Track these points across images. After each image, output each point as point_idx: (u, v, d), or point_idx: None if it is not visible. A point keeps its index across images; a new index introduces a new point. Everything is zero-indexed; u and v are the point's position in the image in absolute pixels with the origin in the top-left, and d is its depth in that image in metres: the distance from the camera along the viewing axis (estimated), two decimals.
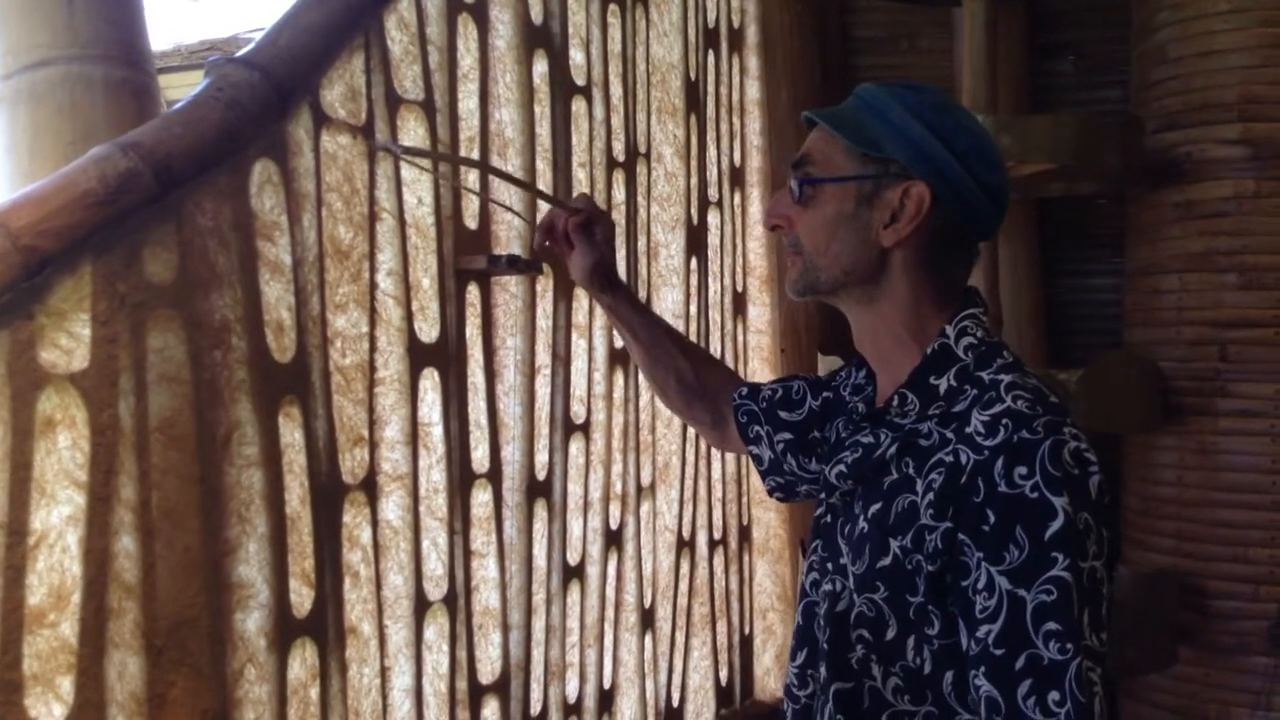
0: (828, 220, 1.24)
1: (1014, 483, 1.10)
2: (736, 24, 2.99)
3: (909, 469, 1.20)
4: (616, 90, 2.37)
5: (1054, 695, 1.05)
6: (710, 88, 2.81)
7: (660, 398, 1.75)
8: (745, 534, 2.96)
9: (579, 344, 2.24)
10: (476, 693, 1.95)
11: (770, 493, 1.57)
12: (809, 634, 1.30)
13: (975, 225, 1.25)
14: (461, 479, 1.91)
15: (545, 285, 2.14)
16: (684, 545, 2.67)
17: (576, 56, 2.24)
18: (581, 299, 2.24)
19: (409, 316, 1.78)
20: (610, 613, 2.37)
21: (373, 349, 1.72)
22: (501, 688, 2.02)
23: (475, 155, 1.95)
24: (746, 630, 2.99)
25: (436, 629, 1.85)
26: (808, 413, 1.48)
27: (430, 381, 1.83)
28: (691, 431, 2.61)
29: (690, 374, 1.65)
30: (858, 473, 1.25)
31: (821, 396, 1.49)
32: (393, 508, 1.76)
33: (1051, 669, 1.06)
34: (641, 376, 1.72)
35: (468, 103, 1.95)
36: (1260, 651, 2.92)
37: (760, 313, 3.05)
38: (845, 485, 1.27)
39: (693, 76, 2.69)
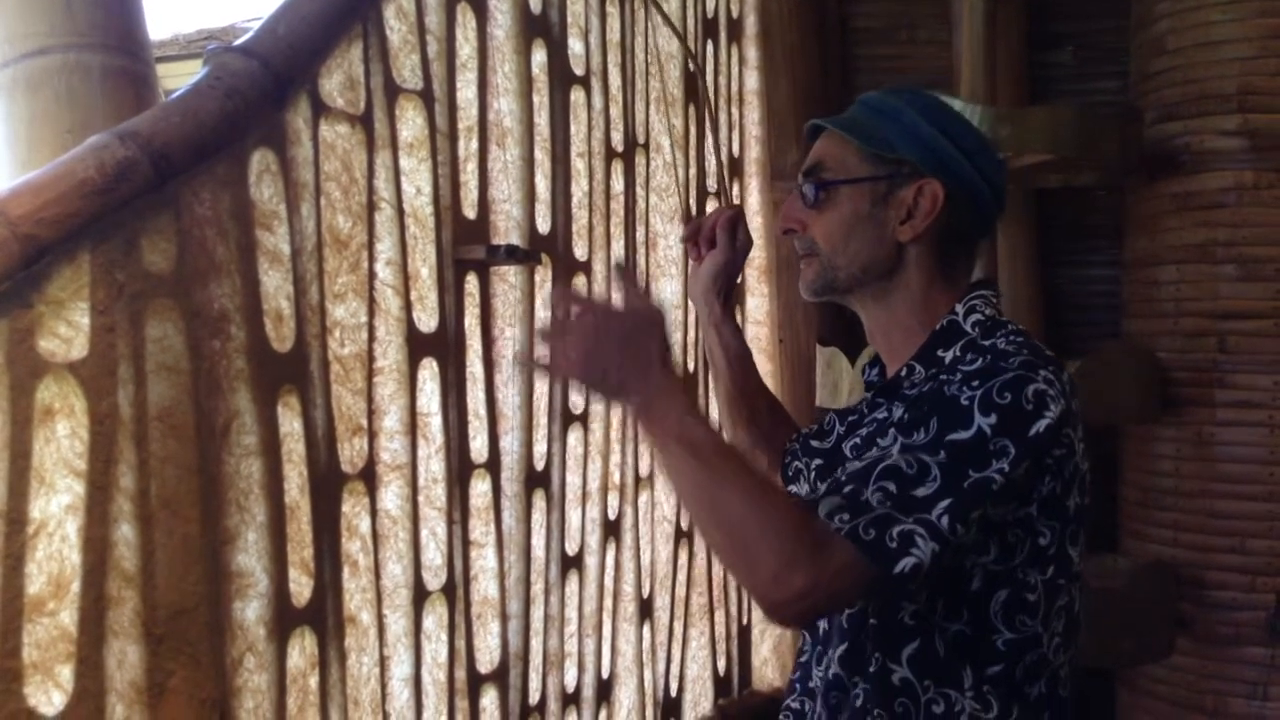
0: (845, 220, 1.29)
1: (960, 391, 1.15)
2: (735, 14, 2.99)
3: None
4: (615, 80, 2.37)
5: (844, 515, 1.09)
6: (709, 78, 2.81)
7: (727, 429, 1.72)
8: None
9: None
10: (475, 682, 1.95)
11: None
12: None
13: (981, 219, 1.31)
14: (460, 469, 1.91)
15: (544, 275, 2.14)
16: (682, 535, 2.67)
17: (575, 46, 2.23)
18: (581, 290, 2.24)
19: (408, 306, 1.78)
20: (608, 603, 2.37)
21: (371, 339, 1.71)
22: (500, 677, 2.02)
23: (474, 145, 1.95)
24: (744, 620, 3.00)
25: (435, 618, 1.85)
26: (835, 438, 1.51)
27: (429, 371, 1.83)
28: None
29: (766, 417, 1.60)
30: (870, 442, 1.29)
31: (848, 421, 1.51)
32: (391, 497, 1.76)
33: (862, 505, 1.10)
34: (715, 402, 1.68)
35: (466, 92, 1.94)
36: (1257, 642, 2.92)
37: (759, 304, 3.05)
38: (856, 455, 1.30)
39: (690, 67, 2.68)
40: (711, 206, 2.81)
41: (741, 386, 1.57)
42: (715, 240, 1.49)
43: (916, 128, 1.27)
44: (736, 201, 2.96)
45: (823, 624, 1.35)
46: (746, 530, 1.09)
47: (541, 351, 1.23)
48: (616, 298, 1.23)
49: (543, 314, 2.13)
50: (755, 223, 3.01)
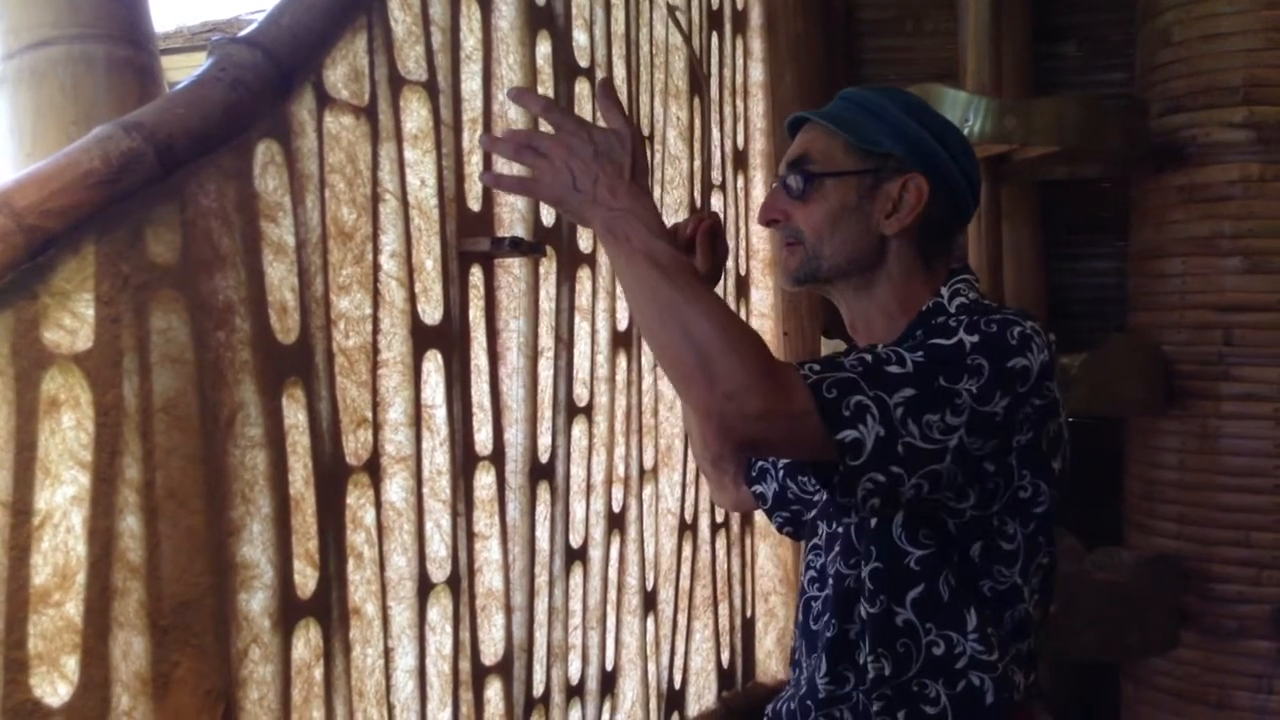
0: (831, 212, 1.30)
1: (948, 320, 1.21)
2: (740, 5, 2.98)
3: None
4: (620, 72, 2.36)
5: (814, 366, 1.12)
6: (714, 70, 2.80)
7: (690, 436, 1.71)
8: (747, 517, 2.96)
9: (582, 326, 2.24)
10: (479, 674, 1.95)
11: (780, 529, 1.60)
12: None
13: (960, 213, 1.34)
14: (465, 461, 1.91)
15: (548, 268, 2.13)
16: (686, 528, 2.67)
17: (580, 38, 2.23)
18: (584, 281, 2.24)
19: (412, 298, 1.78)
20: (612, 595, 2.37)
21: (376, 331, 1.71)
22: (504, 669, 2.02)
23: (478, 138, 1.95)
24: (748, 613, 3.00)
25: (440, 610, 1.85)
26: None
27: (433, 364, 1.83)
28: None
29: None
30: None
31: None
32: (396, 489, 1.76)
33: (834, 365, 1.13)
34: (681, 410, 1.66)
35: (470, 84, 1.94)
36: (1262, 635, 2.92)
37: (763, 296, 3.04)
38: None
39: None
40: (716, 199, 2.81)
41: None
42: (693, 248, 1.49)
43: (901, 123, 1.29)
44: (727, 202, 2.95)
45: (811, 623, 1.36)
46: (711, 347, 1.08)
47: (506, 149, 1.21)
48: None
49: (547, 306, 2.13)
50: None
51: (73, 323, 1.24)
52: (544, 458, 2.12)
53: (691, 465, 2.65)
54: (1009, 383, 1.15)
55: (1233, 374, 2.96)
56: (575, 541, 2.23)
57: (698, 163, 2.69)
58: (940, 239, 1.33)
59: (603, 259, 2.30)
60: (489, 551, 1.99)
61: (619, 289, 2.37)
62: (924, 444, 1.11)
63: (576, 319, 2.21)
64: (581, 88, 2.23)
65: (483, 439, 1.96)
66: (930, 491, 1.16)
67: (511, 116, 2.03)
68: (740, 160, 2.96)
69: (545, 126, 1.21)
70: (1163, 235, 3.12)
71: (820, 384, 1.10)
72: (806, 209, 1.31)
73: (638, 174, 1.18)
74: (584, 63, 2.24)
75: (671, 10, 2.31)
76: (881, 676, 1.25)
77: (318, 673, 1.58)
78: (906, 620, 1.24)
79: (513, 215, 2.04)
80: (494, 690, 2.00)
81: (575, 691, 2.26)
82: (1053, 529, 1.27)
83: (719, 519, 2.83)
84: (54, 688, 1.22)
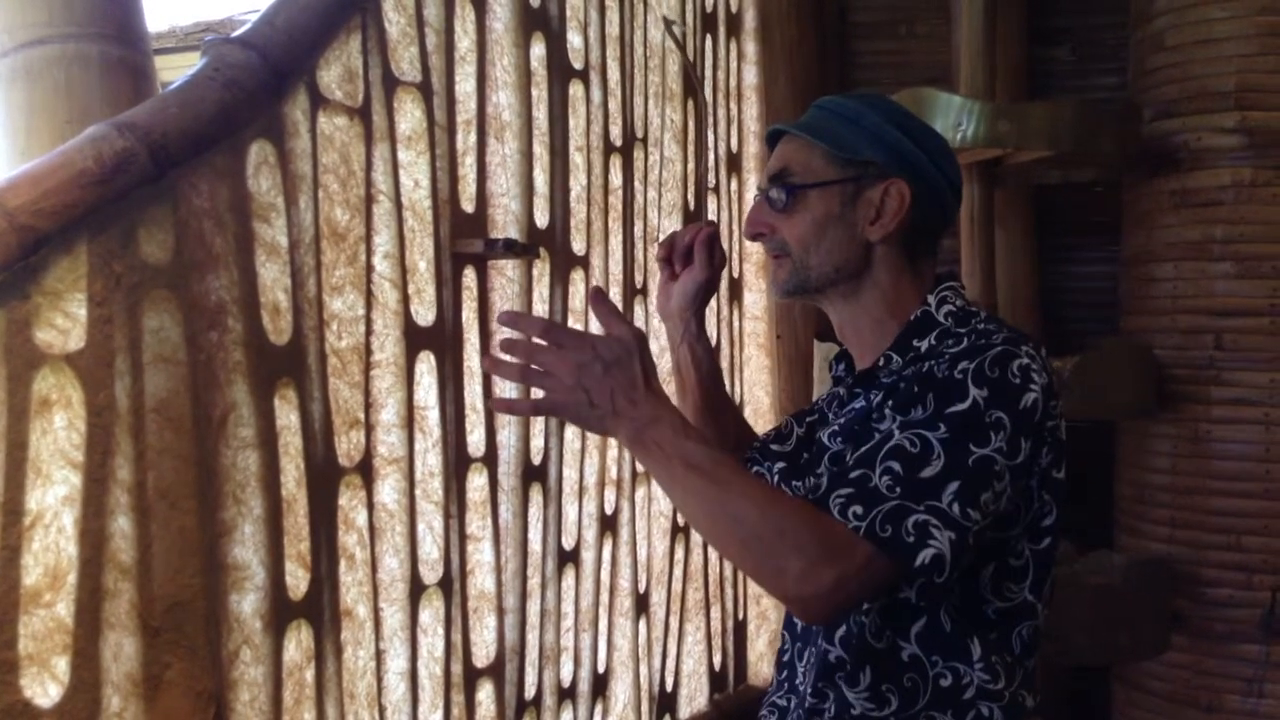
0: (816, 222, 1.31)
1: (951, 371, 1.19)
2: (735, 8, 2.98)
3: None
4: (614, 74, 2.36)
5: (857, 509, 1.11)
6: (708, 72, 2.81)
7: None
8: None
9: (575, 328, 2.23)
10: (471, 676, 1.95)
11: None
12: None
13: (943, 216, 1.35)
14: (457, 463, 1.90)
15: (541, 270, 2.13)
16: (678, 531, 2.67)
17: (574, 40, 2.23)
18: (578, 284, 2.24)
19: (405, 300, 1.77)
20: (605, 598, 2.37)
21: (369, 332, 1.71)
22: (496, 671, 2.02)
23: (473, 139, 1.95)
24: (740, 616, 3.00)
25: (432, 612, 1.85)
26: (795, 441, 1.53)
27: (426, 365, 1.83)
28: None
29: (733, 435, 1.59)
30: (849, 430, 1.31)
31: (806, 422, 1.54)
32: (388, 491, 1.76)
33: (872, 493, 1.11)
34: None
35: (465, 85, 1.94)
36: (1252, 639, 2.93)
37: (756, 299, 3.05)
38: (836, 444, 1.33)
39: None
40: (710, 202, 2.81)
41: (711, 404, 1.56)
42: (690, 256, 1.48)
43: (880, 130, 1.30)
44: (721, 205, 2.96)
45: (799, 626, 1.37)
46: (766, 537, 1.09)
47: (511, 373, 1.20)
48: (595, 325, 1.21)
49: (540, 308, 2.12)
50: None
51: (65, 323, 1.24)
52: (536, 460, 2.12)
53: None
54: (1026, 424, 1.17)
55: (1224, 378, 2.97)
56: (567, 544, 2.23)
57: (691, 165, 2.69)
58: (925, 242, 1.34)
59: (596, 261, 2.31)
60: (481, 553, 1.99)
61: (614, 291, 2.37)
62: (985, 519, 1.13)
63: (570, 321, 2.21)
64: (576, 89, 2.23)
65: (475, 441, 1.96)
66: (976, 541, 1.16)
67: (505, 119, 2.03)
68: (734, 163, 2.96)
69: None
70: (1155, 240, 3.13)
71: (873, 527, 1.10)
72: (791, 221, 1.32)
73: (651, 379, 1.18)
74: (578, 65, 2.23)
75: (668, 24, 2.31)
76: (875, 714, 1.25)
77: (309, 674, 1.58)
78: (913, 655, 1.24)
79: (506, 217, 2.04)
80: (485, 693, 2.00)
81: (567, 694, 2.26)
82: (1058, 540, 1.27)
83: None
84: (44, 689, 1.21)
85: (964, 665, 1.23)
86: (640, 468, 2.50)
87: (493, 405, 1.27)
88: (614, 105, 2.35)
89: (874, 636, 1.25)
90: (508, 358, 1.19)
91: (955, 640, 1.23)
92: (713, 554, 2.83)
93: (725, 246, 2.83)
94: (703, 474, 1.13)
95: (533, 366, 1.18)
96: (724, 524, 1.12)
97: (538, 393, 1.19)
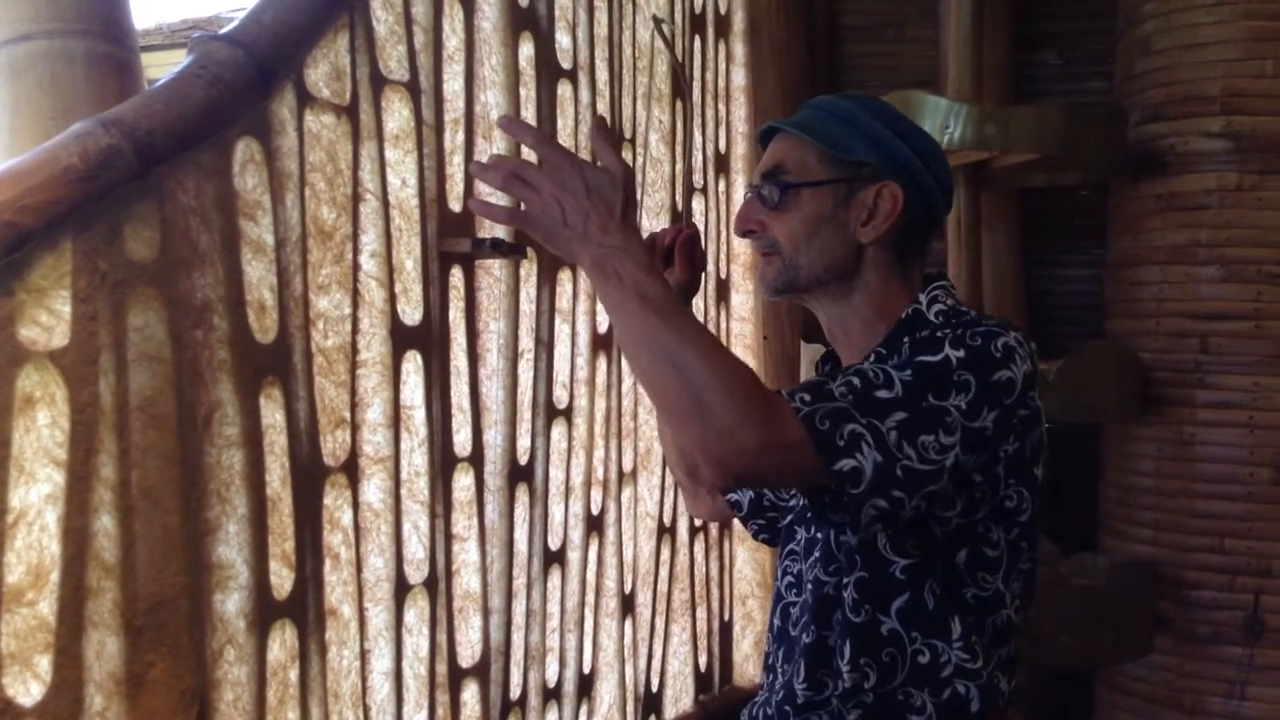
0: (808, 221, 1.31)
1: (932, 333, 1.22)
2: (723, 10, 2.98)
3: None
4: (603, 74, 2.36)
5: (805, 396, 1.13)
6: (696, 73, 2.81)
7: (666, 447, 1.70)
8: (726, 520, 2.97)
9: (562, 328, 2.23)
10: (456, 676, 1.95)
11: (755, 535, 1.61)
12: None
13: (934, 219, 1.35)
14: (443, 462, 1.90)
15: (529, 269, 2.13)
16: (665, 531, 2.67)
17: (563, 40, 2.23)
18: (565, 284, 2.24)
19: (392, 299, 1.77)
20: (591, 598, 2.37)
21: (355, 331, 1.71)
22: (481, 671, 2.02)
23: (460, 138, 1.95)
24: (726, 616, 3.00)
25: (417, 612, 1.84)
26: None
27: (413, 364, 1.82)
28: None
29: None
30: None
31: None
32: (374, 490, 1.75)
33: (824, 393, 1.13)
34: (656, 421, 1.65)
35: (453, 84, 1.94)
36: (1235, 641, 2.94)
37: (743, 300, 3.05)
38: None
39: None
40: (697, 203, 2.81)
41: None
42: (670, 259, 1.48)
43: (874, 131, 1.30)
44: (709, 206, 2.96)
45: (790, 628, 1.37)
46: (704, 384, 1.08)
47: (495, 178, 1.19)
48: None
49: (527, 308, 2.12)
50: None
51: (49, 320, 1.24)
52: (523, 460, 2.12)
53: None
54: (995, 396, 1.16)
55: (1209, 381, 2.99)
56: (554, 544, 2.23)
57: (679, 166, 2.69)
58: (915, 245, 1.34)
59: None
60: (467, 553, 1.99)
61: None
62: (921, 465, 1.12)
63: (557, 321, 2.21)
64: (564, 90, 2.23)
65: (462, 440, 1.96)
66: (928, 509, 1.17)
67: (493, 118, 2.03)
68: (722, 164, 2.96)
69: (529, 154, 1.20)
70: (1140, 243, 3.14)
71: (813, 415, 1.10)
72: (782, 219, 1.32)
73: (629, 212, 1.17)
74: (566, 65, 2.23)
75: (658, 22, 2.31)
76: (861, 686, 1.25)
77: (293, 674, 1.57)
78: (892, 629, 1.25)
79: None
80: (470, 693, 1.99)
81: (552, 694, 2.26)
82: (1035, 535, 1.28)
83: (697, 523, 2.83)
84: (26, 687, 1.21)
85: (943, 643, 1.24)
86: (627, 467, 2.50)
87: (470, 204, 1.26)
88: (602, 106, 2.35)
89: (852, 611, 1.26)
90: (494, 165, 1.19)
91: (936, 618, 1.24)
92: (699, 555, 2.84)
93: (712, 248, 2.86)
94: (656, 311, 1.12)
95: (517, 175, 1.18)
96: (665, 365, 1.10)
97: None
